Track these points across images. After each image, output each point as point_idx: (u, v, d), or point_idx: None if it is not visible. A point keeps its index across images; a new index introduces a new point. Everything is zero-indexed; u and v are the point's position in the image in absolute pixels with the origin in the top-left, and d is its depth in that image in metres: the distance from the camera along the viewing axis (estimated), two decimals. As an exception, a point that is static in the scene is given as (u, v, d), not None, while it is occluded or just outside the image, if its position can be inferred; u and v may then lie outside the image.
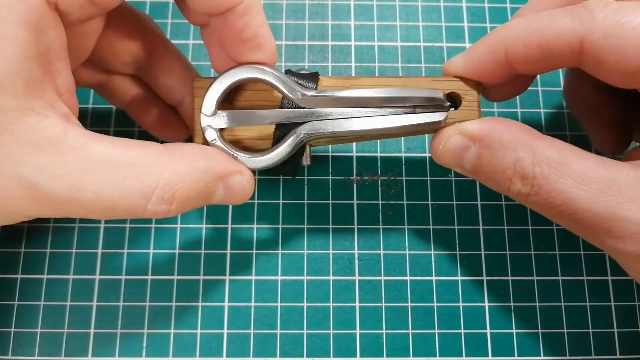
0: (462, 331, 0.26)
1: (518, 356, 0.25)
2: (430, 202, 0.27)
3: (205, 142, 0.21)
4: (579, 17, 0.18)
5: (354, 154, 0.28)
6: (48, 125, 0.17)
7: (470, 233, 0.27)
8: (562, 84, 0.26)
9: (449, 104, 0.21)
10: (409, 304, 0.26)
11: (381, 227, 0.27)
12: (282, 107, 0.21)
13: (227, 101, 0.22)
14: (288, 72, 0.22)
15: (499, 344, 0.26)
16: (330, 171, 0.28)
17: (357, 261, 0.27)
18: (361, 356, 0.25)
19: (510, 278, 0.26)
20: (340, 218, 0.27)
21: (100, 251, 0.26)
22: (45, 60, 0.17)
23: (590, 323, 0.26)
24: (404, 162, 0.28)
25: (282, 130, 0.21)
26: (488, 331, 0.26)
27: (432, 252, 0.27)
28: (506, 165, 0.20)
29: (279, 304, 0.26)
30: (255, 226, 0.27)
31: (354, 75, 0.29)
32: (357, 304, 0.26)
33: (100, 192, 0.17)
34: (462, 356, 0.25)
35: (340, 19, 0.31)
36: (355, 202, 0.27)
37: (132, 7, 0.23)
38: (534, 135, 0.20)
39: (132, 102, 0.25)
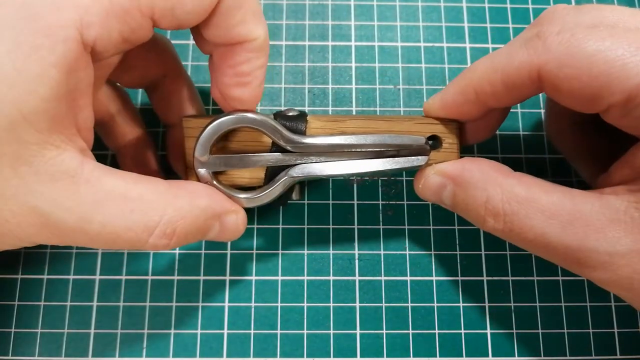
0: (462, 331, 0.26)
1: (518, 356, 0.25)
2: (430, 202, 0.27)
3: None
4: (533, 48, 0.19)
5: (354, 154, 0.28)
6: (65, 158, 0.17)
7: (470, 233, 0.27)
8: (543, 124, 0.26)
9: (429, 146, 0.22)
10: (409, 304, 0.26)
11: (381, 227, 0.27)
12: (272, 149, 0.22)
13: (220, 141, 0.23)
14: (276, 115, 0.22)
15: (499, 344, 0.26)
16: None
17: (357, 261, 0.27)
18: (361, 356, 0.25)
19: (510, 278, 0.26)
20: (340, 218, 0.27)
21: (100, 251, 0.26)
22: (71, 97, 0.17)
23: (590, 323, 0.26)
24: (404, 162, 0.28)
25: (273, 171, 0.22)
26: (488, 331, 0.26)
27: (432, 252, 0.27)
28: (478, 203, 0.21)
29: (279, 304, 0.26)
30: (255, 226, 0.27)
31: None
32: (357, 304, 0.26)
33: (107, 224, 0.18)
34: (462, 356, 0.25)
35: (340, 19, 0.31)
36: (355, 202, 0.27)
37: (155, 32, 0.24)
38: (503, 172, 0.21)
39: (128, 143, 0.26)
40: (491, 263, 0.27)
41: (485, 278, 0.26)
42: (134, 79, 0.24)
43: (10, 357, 0.25)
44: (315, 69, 0.30)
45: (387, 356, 0.25)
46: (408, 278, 0.26)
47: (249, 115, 0.21)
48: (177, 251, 0.26)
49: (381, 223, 0.27)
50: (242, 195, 0.22)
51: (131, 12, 0.18)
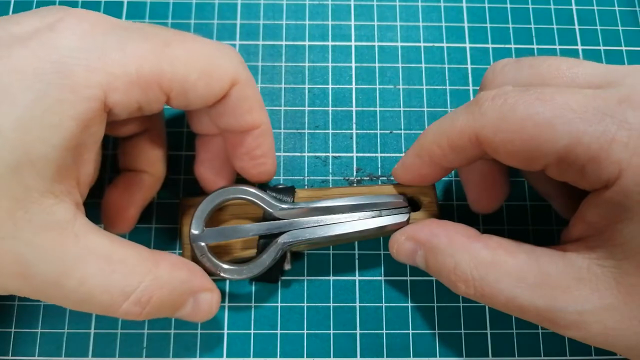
0: (462, 331, 0.26)
1: (518, 356, 0.25)
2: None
3: (194, 256, 0.23)
4: (471, 113, 0.20)
5: (354, 154, 0.28)
6: (60, 209, 0.18)
7: (470, 233, 0.27)
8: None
9: (408, 203, 0.24)
10: (409, 304, 0.26)
11: (381, 227, 0.27)
12: (264, 219, 0.24)
13: (215, 215, 0.24)
14: (267, 189, 0.24)
15: (499, 344, 0.26)
16: (330, 171, 0.28)
17: (357, 261, 0.27)
18: (361, 356, 0.25)
19: (510, 278, 0.26)
20: (340, 218, 0.27)
21: (100, 251, 0.26)
22: (78, 151, 0.18)
23: (590, 323, 0.26)
24: (404, 162, 0.28)
25: (265, 240, 0.24)
26: (488, 331, 0.26)
27: (432, 252, 0.27)
28: (448, 269, 0.21)
29: (279, 304, 0.26)
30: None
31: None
32: (357, 304, 0.26)
33: (85, 282, 0.18)
34: (462, 356, 0.25)
35: (340, 19, 0.31)
36: (355, 202, 0.27)
37: None
38: (470, 236, 0.21)
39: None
40: (491, 263, 0.27)
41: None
42: (120, 130, 0.23)
43: (10, 357, 0.25)
44: (315, 69, 0.30)
45: (387, 356, 0.25)
46: (408, 278, 0.26)
47: (241, 188, 0.23)
48: (177, 251, 0.26)
49: (381, 223, 0.27)
50: (235, 267, 0.23)
51: (152, 87, 0.19)
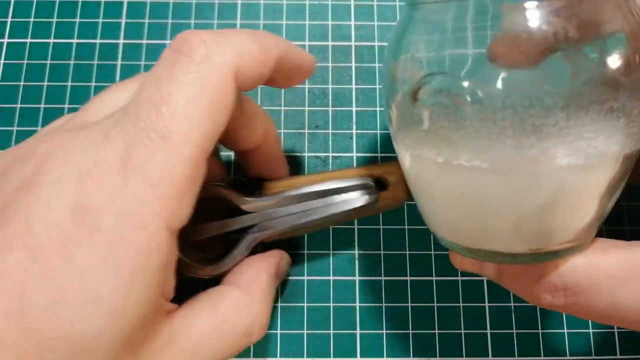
0: (462, 331, 0.26)
1: (518, 356, 0.25)
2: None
3: None
4: None
5: (354, 154, 0.28)
6: None
7: (470, 233, 0.27)
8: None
9: (375, 183, 0.24)
10: (409, 304, 0.26)
11: (381, 226, 0.27)
12: (231, 214, 0.23)
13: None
14: (233, 182, 0.24)
15: (499, 343, 0.26)
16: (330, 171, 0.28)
17: (357, 261, 0.27)
18: (361, 356, 0.25)
19: (510, 278, 0.26)
20: (340, 218, 0.27)
21: (100, 251, 0.26)
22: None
23: (590, 323, 0.26)
24: (404, 162, 0.28)
25: (235, 235, 0.23)
26: (488, 331, 0.26)
27: (432, 252, 0.27)
28: (529, 280, 0.18)
29: (279, 304, 0.26)
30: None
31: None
32: (357, 304, 0.26)
33: None
34: (462, 356, 0.25)
35: (340, 19, 0.31)
36: (355, 202, 0.27)
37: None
38: None
39: None
40: (491, 263, 0.27)
41: (485, 278, 0.26)
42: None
43: (10, 357, 0.25)
44: (316, 69, 0.30)
45: (387, 356, 0.25)
46: (408, 278, 0.26)
47: (206, 185, 0.23)
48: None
49: (381, 223, 0.27)
50: (209, 267, 0.23)
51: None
